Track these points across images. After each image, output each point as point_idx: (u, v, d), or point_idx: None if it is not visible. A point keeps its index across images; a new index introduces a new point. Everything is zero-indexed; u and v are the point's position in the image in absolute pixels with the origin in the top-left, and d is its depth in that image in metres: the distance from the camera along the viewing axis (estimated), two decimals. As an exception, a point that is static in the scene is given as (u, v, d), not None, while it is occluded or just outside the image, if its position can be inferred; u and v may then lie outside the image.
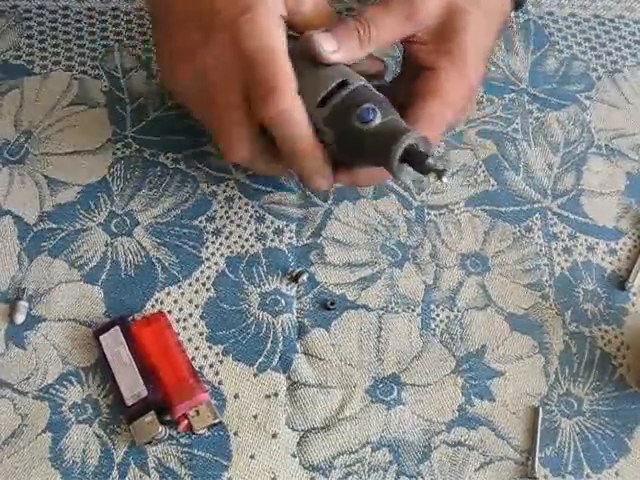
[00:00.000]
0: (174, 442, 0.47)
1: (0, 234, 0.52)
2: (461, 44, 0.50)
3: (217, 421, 0.47)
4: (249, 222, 0.55)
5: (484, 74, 0.54)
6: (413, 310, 0.52)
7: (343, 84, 0.47)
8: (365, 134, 0.45)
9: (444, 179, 0.43)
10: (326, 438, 0.48)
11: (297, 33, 0.49)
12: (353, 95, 0.46)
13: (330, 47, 0.47)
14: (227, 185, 0.56)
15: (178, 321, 0.51)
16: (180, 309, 0.51)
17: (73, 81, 0.59)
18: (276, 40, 0.46)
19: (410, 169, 0.44)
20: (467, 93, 0.51)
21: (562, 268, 0.55)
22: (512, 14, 0.64)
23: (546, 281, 0.54)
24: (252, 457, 0.47)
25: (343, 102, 0.46)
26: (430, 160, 0.43)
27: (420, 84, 0.50)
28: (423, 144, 0.44)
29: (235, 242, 0.54)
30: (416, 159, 0.43)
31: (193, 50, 0.47)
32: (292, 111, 0.46)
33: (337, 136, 0.47)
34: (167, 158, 0.57)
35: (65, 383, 0.48)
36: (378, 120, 0.45)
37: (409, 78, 0.51)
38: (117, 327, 0.48)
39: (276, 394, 0.49)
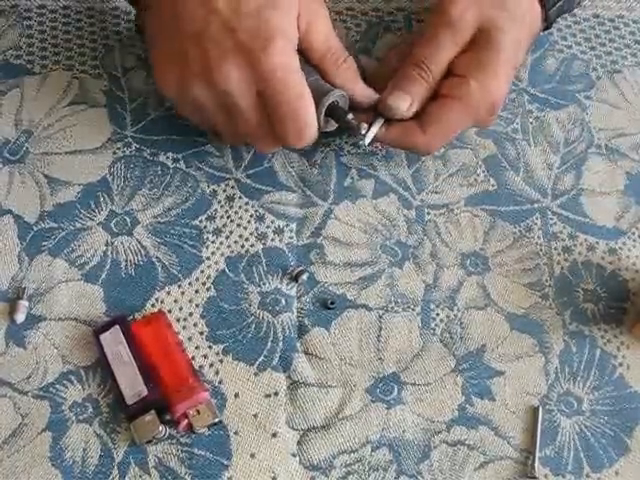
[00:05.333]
0: (174, 441, 0.47)
1: (0, 233, 0.52)
2: (494, 59, 0.53)
3: (217, 420, 0.47)
4: (249, 221, 0.55)
5: (507, 92, 0.56)
6: (413, 309, 0.53)
7: None
8: None
9: (362, 131, 0.52)
10: (326, 437, 0.48)
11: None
12: None
13: (406, 104, 0.53)
14: (227, 184, 0.56)
15: (178, 320, 0.51)
16: (180, 308, 0.51)
17: (73, 80, 0.59)
18: (296, 76, 0.49)
19: (333, 122, 0.53)
20: (489, 106, 0.54)
21: (562, 268, 0.55)
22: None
23: (546, 281, 0.55)
24: (252, 456, 0.47)
25: None
26: (349, 116, 0.52)
27: (447, 87, 0.53)
28: (343, 101, 0.53)
29: (235, 241, 0.54)
30: (337, 114, 0.52)
31: (210, 66, 0.48)
32: (315, 134, 0.51)
33: None
34: (167, 157, 0.57)
35: (65, 382, 0.48)
36: None
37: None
38: (117, 326, 0.48)
39: (276, 393, 0.49)
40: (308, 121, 0.49)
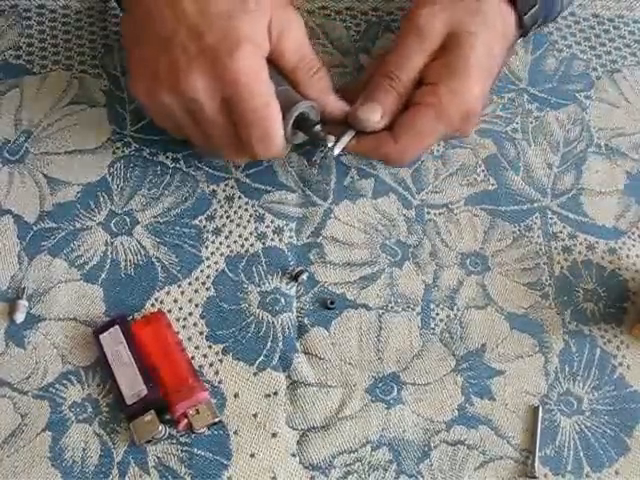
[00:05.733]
0: (174, 441, 0.47)
1: (0, 233, 0.52)
2: (464, 64, 0.51)
3: (217, 420, 0.47)
4: (249, 221, 0.55)
5: (487, 99, 0.54)
6: (413, 309, 0.53)
7: None
8: None
9: (329, 144, 0.51)
10: (326, 437, 0.48)
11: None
12: None
13: (377, 116, 0.52)
14: (227, 184, 0.56)
15: (178, 320, 0.51)
16: (180, 308, 0.51)
17: (73, 80, 0.59)
18: (263, 83, 0.48)
19: (301, 134, 0.51)
20: (463, 113, 0.52)
21: (562, 267, 0.55)
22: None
23: (546, 280, 0.55)
24: (252, 456, 0.47)
25: None
26: (317, 127, 0.51)
27: (419, 95, 0.52)
28: (313, 113, 0.51)
29: (235, 241, 0.54)
30: (305, 126, 0.51)
31: (177, 74, 0.47)
32: (281, 145, 0.50)
33: None
34: (167, 157, 0.57)
35: (65, 382, 0.48)
36: None
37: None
38: (117, 326, 0.48)
39: (276, 393, 0.49)
40: (274, 131, 0.48)
